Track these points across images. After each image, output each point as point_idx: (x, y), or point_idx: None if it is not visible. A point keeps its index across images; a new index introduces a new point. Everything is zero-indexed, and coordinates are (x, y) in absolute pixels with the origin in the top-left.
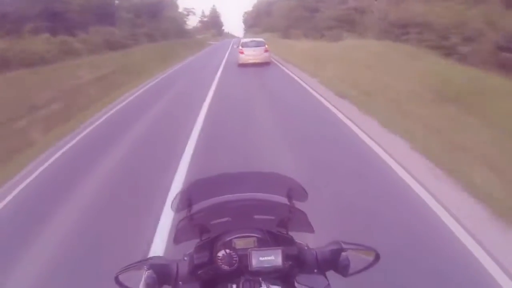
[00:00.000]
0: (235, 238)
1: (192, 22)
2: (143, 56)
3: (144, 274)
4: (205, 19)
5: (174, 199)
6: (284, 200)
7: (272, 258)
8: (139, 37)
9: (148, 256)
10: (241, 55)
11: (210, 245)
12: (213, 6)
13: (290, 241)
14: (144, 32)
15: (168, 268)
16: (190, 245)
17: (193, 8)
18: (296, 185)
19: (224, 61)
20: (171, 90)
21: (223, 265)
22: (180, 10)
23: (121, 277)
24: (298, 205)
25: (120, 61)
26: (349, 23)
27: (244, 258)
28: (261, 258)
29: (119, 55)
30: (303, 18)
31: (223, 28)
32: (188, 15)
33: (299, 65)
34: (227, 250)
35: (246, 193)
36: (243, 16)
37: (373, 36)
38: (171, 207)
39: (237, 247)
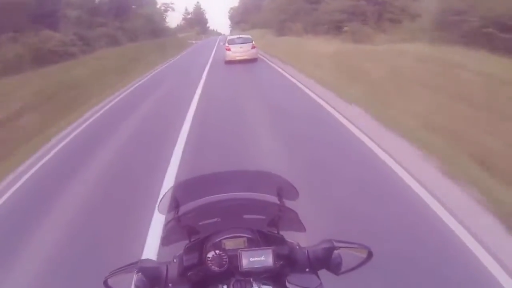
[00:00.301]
0: (225, 238)
1: (175, 19)
2: (91, 69)
3: (134, 278)
4: (189, 16)
5: (161, 200)
6: (274, 199)
7: (262, 258)
8: (96, 41)
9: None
10: (227, 52)
11: (199, 246)
12: (197, 2)
13: (281, 241)
14: (104, 34)
15: (157, 271)
16: (180, 247)
17: (172, 3)
18: (286, 184)
19: (204, 73)
20: (110, 149)
21: (213, 266)
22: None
23: (110, 281)
24: (289, 203)
25: (46, 84)
26: (359, 16)
27: (234, 258)
28: (251, 259)
29: (52, 72)
30: (303, 11)
31: (208, 25)
32: (166, 11)
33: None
34: (217, 251)
35: (235, 193)
36: (229, 12)
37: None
38: (157, 208)
39: (227, 247)
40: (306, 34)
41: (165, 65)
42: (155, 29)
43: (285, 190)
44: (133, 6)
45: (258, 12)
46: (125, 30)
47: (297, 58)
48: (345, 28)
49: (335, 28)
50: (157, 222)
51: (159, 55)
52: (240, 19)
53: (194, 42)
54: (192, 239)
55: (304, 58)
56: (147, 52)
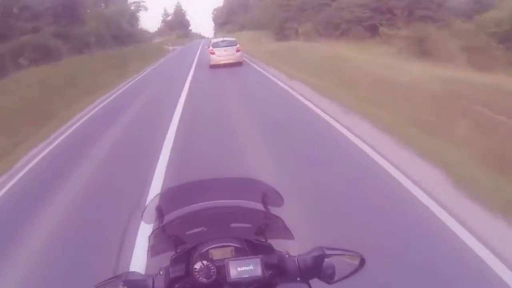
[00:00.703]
0: (212, 248)
1: (153, 23)
2: None
3: None
4: (169, 18)
5: (145, 210)
6: (259, 206)
7: (251, 268)
8: (13, 57)
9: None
10: (212, 56)
11: (186, 257)
12: (177, 3)
13: (269, 249)
14: (29, 45)
15: (143, 284)
16: (167, 258)
17: (143, 1)
18: (270, 190)
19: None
20: None
21: (200, 278)
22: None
23: None
24: (274, 210)
25: None
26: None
27: (222, 269)
28: (239, 269)
29: None
30: (310, 7)
31: (190, 28)
32: (138, 11)
33: None
34: (204, 262)
35: (220, 200)
36: (212, 14)
37: None
38: (142, 218)
39: (215, 257)
40: (319, 37)
41: (116, 93)
42: (119, 34)
43: (270, 196)
44: (93, 7)
45: (245, 11)
46: (68, 37)
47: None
48: (385, 30)
49: (369, 29)
50: None
51: (113, 72)
52: (225, 20)
53: (172, 48)
54: (179, 250)
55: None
56: (96, 69)
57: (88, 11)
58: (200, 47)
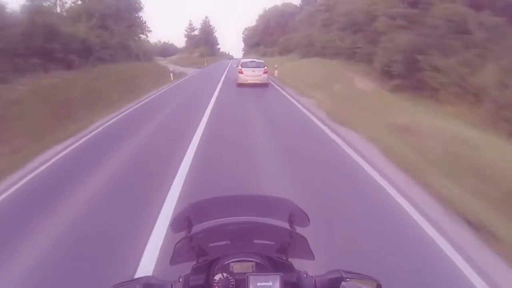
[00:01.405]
0: (233, 262)
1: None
2: None
3: None
4: (194, 33)
5: (174, 219)
6: (285, 224)
7: (270, 284)
8: None
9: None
10: (240, 75)
11: (207, 268)
12: (206, 17)
13: (289, 268)
14: None
15: None
16: (185, 267)
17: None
18: (298, 210)
19: None
20: None
21: None
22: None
23: None
24: (300, 230)
25: None
26: None
27: (241, 283)
28: (259, 284)
29: None
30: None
31: (218, 46)
32: (141, 33)
33: None
34: (224, 274)
35: (247, 217)
36: (243, 34)
37: None
38: (170, 227)
39: (235, 271)
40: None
41: None
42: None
43: (296, 216)
44: None
45: (286, 30)
46: None
47: None
48: None
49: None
50: None
51: None
52: (258, 41)
53: (185, 72)
54: (200, 260)
55: None
56: None
57: None
58: (224, 75)
